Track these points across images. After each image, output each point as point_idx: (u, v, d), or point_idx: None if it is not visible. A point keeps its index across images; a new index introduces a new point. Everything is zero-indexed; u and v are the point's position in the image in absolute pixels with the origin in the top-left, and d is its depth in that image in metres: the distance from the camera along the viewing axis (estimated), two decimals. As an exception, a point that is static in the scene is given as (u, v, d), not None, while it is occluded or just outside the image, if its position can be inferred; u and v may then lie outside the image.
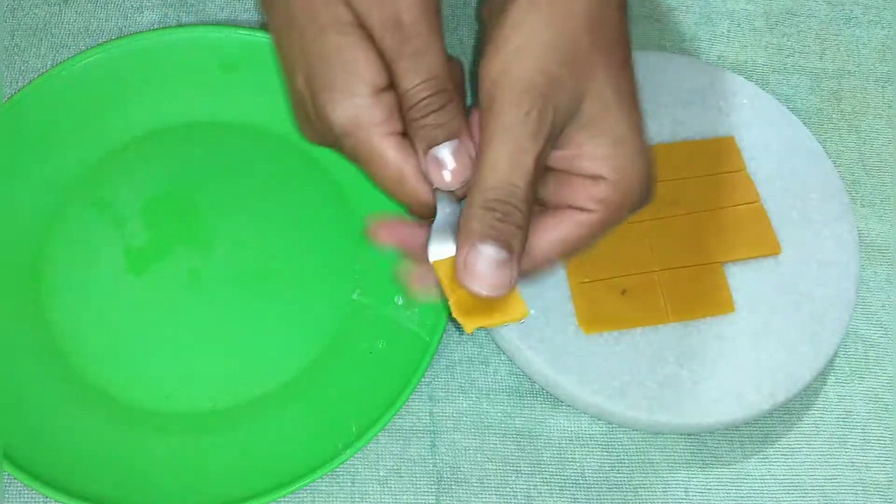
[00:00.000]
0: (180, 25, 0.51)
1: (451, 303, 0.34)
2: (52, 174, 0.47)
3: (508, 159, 0.33)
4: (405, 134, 0.34)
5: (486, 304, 0.34)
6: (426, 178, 0.34)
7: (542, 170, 0.34)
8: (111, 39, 0.49)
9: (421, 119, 0.34)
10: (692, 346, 0.43)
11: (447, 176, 0.34)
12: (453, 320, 0.37)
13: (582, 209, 0.35)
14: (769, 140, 0.48)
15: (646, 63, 0.48)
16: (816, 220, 0.47)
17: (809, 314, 0.44)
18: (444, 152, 0.34)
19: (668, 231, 0.45)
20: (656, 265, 0.45)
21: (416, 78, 0.34)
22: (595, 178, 0.34)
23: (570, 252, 0.35)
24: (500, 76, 0.34)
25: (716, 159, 0.48)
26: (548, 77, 0.33)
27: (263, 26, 0.52)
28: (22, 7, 0.52)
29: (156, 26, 0.52)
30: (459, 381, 0.45)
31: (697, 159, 0.47)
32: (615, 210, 0.35)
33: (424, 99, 0.34)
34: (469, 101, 0.48)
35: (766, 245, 0.46)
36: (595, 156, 0.34)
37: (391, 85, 0.34)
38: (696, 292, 0.44)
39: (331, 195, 0.48)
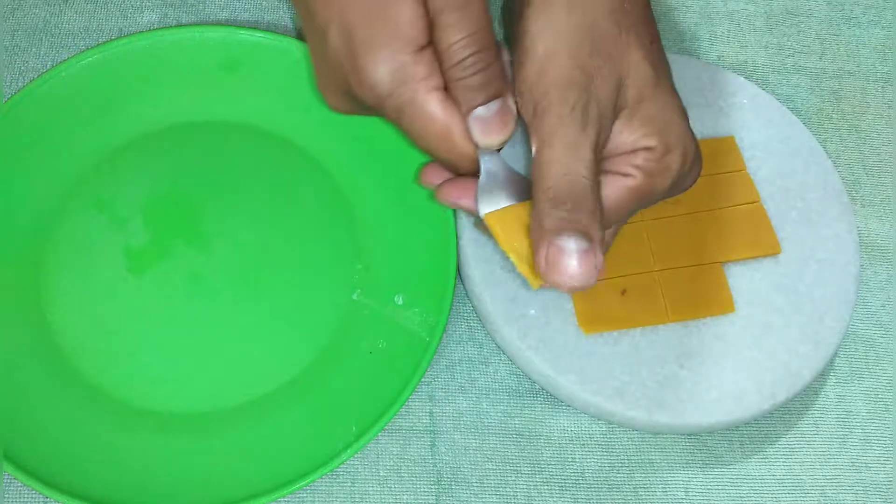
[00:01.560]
0: (180, 25, 0.51)
1: (513, 259, 0.34)
2: (52, 174, 0.47)
3: (566, 156, 0.33)
4: (446, 88, 0.34)
5: None
6: (469, 135, 0.34)
7: (600, 160, 0.34)
8: (111, 39, 0.49)
9: (466, 79, 0.33)
10: (692, 346, 0.43)
11: (492, 135, 0.34)
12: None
13: (620, 174, 0.35)
14: (769, 140, 0.48)
15: (646, 63, 0.48)
16: (816, 220, 0.47)
17: (809, 314, 0.44)
18: (489, 112, 0.34)
19: (668, 231, 0.45)
20: (656, 265, 0.45)
21: (461, 32, 0.33)
22: (635, 150, 0.35)
23: (604, 218, 0.35)
24: (537, 82, 0.34)
25: (716, 159, 0.48)
26: (584, 70, 0.34)
27: (267, 26, 0.52)
28: (22, 7, 0.52)
29: (156, 26, 0.52)
30: (459, 381, 0.45)
31: (697, 159, 0.47)
32: (654, 178, 0.35)
33: (469, 57, 0.33)
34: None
35: (766, 245, 0.46)
36: (634, 135, 0.35)
37: (431, 41, 0.34)
38: (696, 292, 0.44)
39: (331, 195, 0.48)
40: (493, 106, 0.34)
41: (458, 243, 0.45)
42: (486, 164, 0.35)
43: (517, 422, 0.44)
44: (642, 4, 0.36)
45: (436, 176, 0.38)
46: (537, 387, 0.45)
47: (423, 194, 0.45)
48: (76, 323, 0.44)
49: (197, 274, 0.46)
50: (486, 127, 0.34)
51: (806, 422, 0.45)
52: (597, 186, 0.34)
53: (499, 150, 0.35)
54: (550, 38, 0.34)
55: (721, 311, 0.44)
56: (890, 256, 0.49)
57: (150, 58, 0.49)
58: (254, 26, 0.51)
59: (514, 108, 0.35)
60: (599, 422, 0.44)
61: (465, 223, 0.45)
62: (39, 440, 0.41)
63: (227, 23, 0.52)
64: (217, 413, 0.43)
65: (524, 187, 0.36)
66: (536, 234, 0.33)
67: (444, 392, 0.45)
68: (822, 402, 0.45)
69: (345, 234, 0.47)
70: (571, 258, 0.32)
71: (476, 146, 0.34)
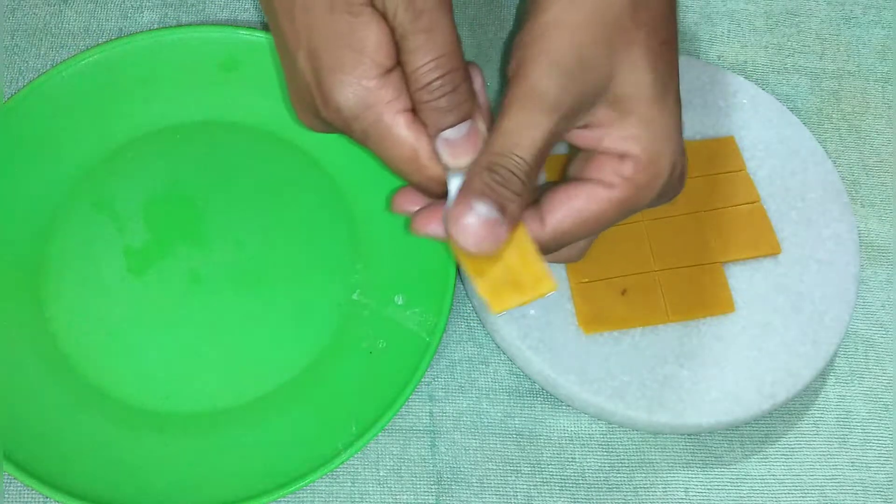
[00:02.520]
0: (180, 25, 0.51)
1: (476, 283, 0.34)
2: (52, 174, 0.47)
3: (520, 130, 0.33)
4: (414, 110, 0.34)
5: (513, 282, 0.34)
6: (437, 157, 0.34)
7: (552, 145, 0.34)
8: (111, 39, 0.49)
9: (433, 102, 0.33)
10: (692, 346, 0.43)
11: (460, 157, 0.34)
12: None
13: (605, 183, 0.34)
14: (769, 140, 0.48)
15: (646, 63, 0.48)
16: (816, 220, 0.47)
17: (809, 314, 0.44)
18: (458, 134, 0.34)
19: (668, 231, 0.45)
20: (656, 265, 0.45)
21: (428, 55, 0.33)
22: (622, 155, 0.34)
23: (586, 228, 0.35)
24: (530, 45, 0.34)
25: (716, 159, 0.48)
26: (577, 55, 0.33)
27: (264, 26, 0.52)
28: (22, 7, 0.52)
29: (156, 26, 0.52)
30: (459, 381, 0.45)
31: (697, 159, 0.47)
32: (639, 191, 0.34)
33: (436, 80, 0.33)
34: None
35: (766, 245, 0.46)
36: (623, 135, 0.34)
37: (398, 63, 0.34)
38: (696, 292, 0.44)
39: (331, 195, 0.48)
40: (462, 128, 0.34)
41: (458, 243, 0.45)
42: (455, 187, 0.35)
43: (517, 422, 0.44)
44: (665, 2, 0.36)
45: (407, 202, 0.37)
46: (537, 387, 0.45)
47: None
48: (76, 323, 0.44)
49: (197, 274, 0.46)
50: (454, 149, 0.34)
51: (806, 422, 0.45)
52: (533, 172, 0.34)
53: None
54: (562, 9, 0.34)
55: (721, 311, 0.44)
56: (890, 256, 0.49)
57: (150, 58, 0.49)
58: (254, 26, 0.51)
59: (483, 129, 0.34)
60: (599, 422, 0.44)
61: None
62: (39, 440, 0.41)
63: (227, 23, 0.52)
64: (217, 413, 0.43)
65: None
66: (462, 190, 0.33)
67: (444, 392, 0.45)
68: (822, 402, 0.45)
69: (345, 234, 0.47)
70: (475, 219, 0.32)
71: (445, 168, 0.34)
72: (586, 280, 0.44)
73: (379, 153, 0.35)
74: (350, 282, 0.46)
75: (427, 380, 0.45)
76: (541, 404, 0.45)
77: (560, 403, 0.45)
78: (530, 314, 0.43)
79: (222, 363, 0.44)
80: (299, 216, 0.47)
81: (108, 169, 0.48)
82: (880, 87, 0.53)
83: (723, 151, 0.48)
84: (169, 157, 0.48)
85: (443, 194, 0.35)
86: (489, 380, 0.45)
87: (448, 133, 0.34)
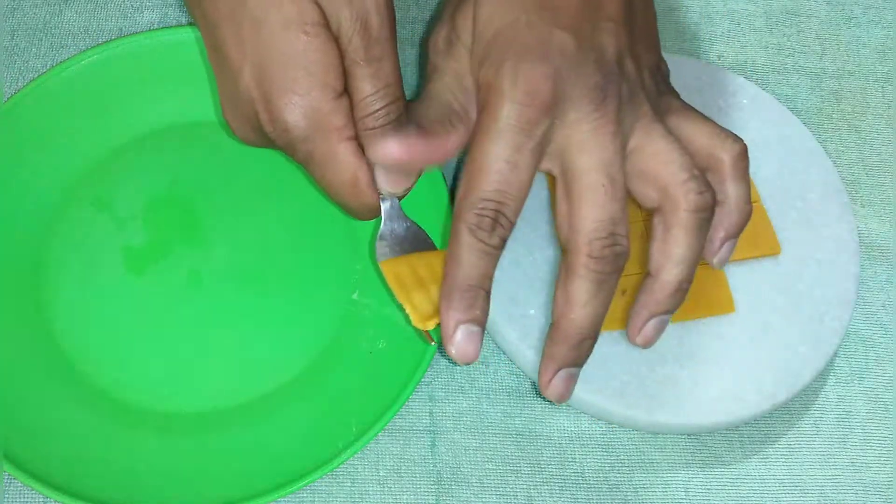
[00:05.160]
0: (180, 25, 0.51)
1: (408, 311, 0.35)
2: (52, 174, 0.47)
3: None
4: (357, 137, 0.35)
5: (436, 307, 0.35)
6: (374, 184, 0.36)
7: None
8: (111, 39, 0.49)
9: (378, 129, 0.34)
10: (692, 346, 0.43)
11: (396, 184, 0.36)
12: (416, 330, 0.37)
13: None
14: (769, 140, 0.48)
15: (646, 63, 0.48)
16: (816, 220, 0.47)
17: (809, 314, 0.44)
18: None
19: (668, 231, 0.45)
20: (656, 265, 0.45)
21: (377, 84, 0.34)
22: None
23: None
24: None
25: (716, 159, 0.47)
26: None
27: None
28: (22, 7, 0.52)
29: (156, 26, 0.52)
30: (459, 381, 0.45)
31: (697, 159, 0.47)
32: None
33: (382, 109, 0.34)
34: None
35: (765, 245, 0.46)
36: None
37: (345, 90, 0.34)
38: (696, 292, 0.44)
39: (331, 195, 0.48)
40: None
41: (458, 243, 0.45)
42: (388, 213, 0.37)
43: (517, 422, 0.44)
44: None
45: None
46: (537, 387, 0.45)
47: (421, 194, 0.45)
48: (76, 323, 0.44)
49: (196, 274, 0.46)
50: (392, 176, 0.35)
51: (806, 422, 0.45)
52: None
53: (399, 199, 0.37)
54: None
55: (721, 311, 0.44)
56: (890, 256, 0.49)
57: (150, 58, 0.49)
58: (254, 26, 0.51)
59: None
60: (599, 422, 0.44)
61: (465, 223, 0.45)
62: (39, 440, 0.41)
63: (227, 23, 0.52)
64: (217, 413, 0.43)
65: (422, 239, 0.38)
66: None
67: (444, 392, 0.45)
68: (822, 402, 0.45)
69: (345, 234, 0.47)
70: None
71: (379, 195, 0.36)
72: (586, 280, 0.44)
73: (318, 175, 0.36)
74: (350, 282, 0.46)
75: (427, 380, 0.45)
76: (541, 404, 0.45)
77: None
78: (530, 314, 0.43)
79: (222, 363, 0.44)
80: (299, 216, 0.47)
81: (108, 169, 0.48)
82: (880, 87, 0.53)
83: (723, 151, 0.48)
84: (169, 157, 0.48)
85: (373, 218, 0.37)
86: (489, 380, 0.45)
87: None
